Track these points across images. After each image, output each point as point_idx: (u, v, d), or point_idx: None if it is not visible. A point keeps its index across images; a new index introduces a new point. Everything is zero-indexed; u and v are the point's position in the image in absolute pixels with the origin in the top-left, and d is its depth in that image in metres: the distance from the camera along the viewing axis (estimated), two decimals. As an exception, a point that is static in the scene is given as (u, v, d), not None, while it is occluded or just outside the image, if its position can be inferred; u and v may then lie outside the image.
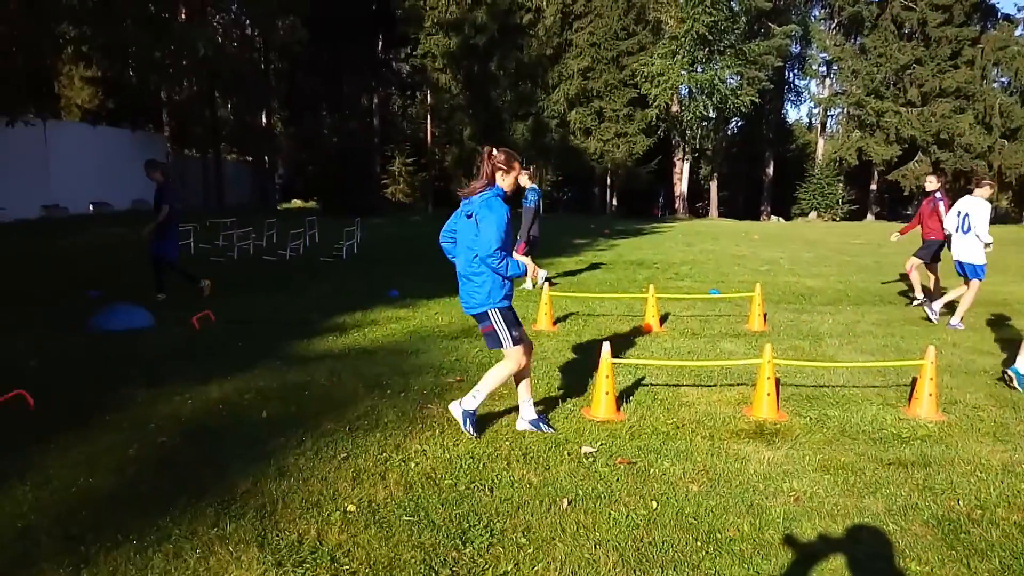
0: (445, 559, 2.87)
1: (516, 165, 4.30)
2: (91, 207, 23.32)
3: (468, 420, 4.28)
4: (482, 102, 35.30)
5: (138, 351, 6.11)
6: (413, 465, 3.79)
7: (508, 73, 35.59)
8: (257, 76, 31.54)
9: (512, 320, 4.30)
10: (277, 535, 3.01)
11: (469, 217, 4.19)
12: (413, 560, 2.85)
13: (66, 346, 6.24)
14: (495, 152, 4.27)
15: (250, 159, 39.59)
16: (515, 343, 4.29)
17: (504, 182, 4.26)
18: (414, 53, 36.02)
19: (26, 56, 8.17)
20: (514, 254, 4.34)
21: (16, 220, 20.16)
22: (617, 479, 3.70)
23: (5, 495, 3.31)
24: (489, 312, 4.23)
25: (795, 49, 43.56)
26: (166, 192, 8.51)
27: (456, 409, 4.32)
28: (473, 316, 4.35)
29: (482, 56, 34.74)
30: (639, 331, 7.53)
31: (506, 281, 4.25)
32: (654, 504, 3.43)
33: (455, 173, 38.68)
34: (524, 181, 9.89)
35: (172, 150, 31.69)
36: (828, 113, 45.16)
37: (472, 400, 4.29)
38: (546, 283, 9.52)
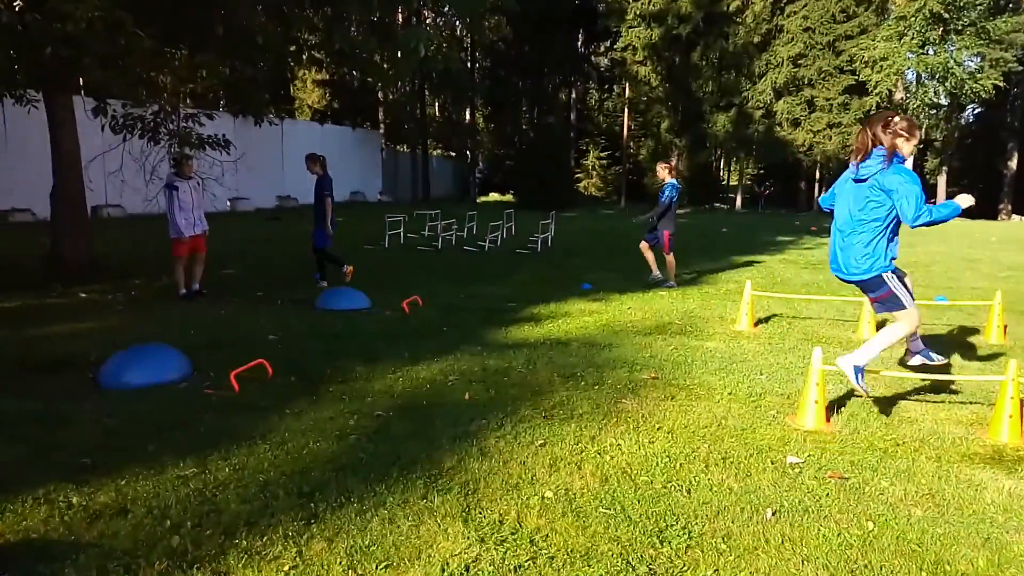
0: (642, 556, 2.84)
1: (917, 133, 4.32)
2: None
3: (859, 375, 4.28)
4: (682, 94, 34.40)
5: (357, 330, 6.68)
6: (608, 458, 3.80)
7: (711, 63, 34.38)
8: (464, 74, 33.11)
9: (901, 279, 4.39)
10: (480, 513, 3.15)
11: (860, 182, 4.29)
12: (610, 553, 2.86)
13: (299, 321, 6.97)
14: (895, 119, 4.26)
15: (453, 154, 41.76)
16: (913, 302, 4.35)
17: (906, 149, 4.28)
18: (614, 46, 35.91)
19: (273, 63, 9.20)
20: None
21: (256, 208, 22.84)
22: (827, 494, 3.46)
23: (251, 453, 3.76)
24: (884, 276, 4.32)
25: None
26: (325, 184, 9.05)
27: (846, 363, 4.32)
28: (856, 283, 4.46)
29: (685, 46, 33.84)
30: (850, 336, 6.97)
31: (892, 242, 4.35)
32: (870, 525, 3.16)
33: (650, 167, 38.15)
34: (663, 175, 9.71)
35: (386, 146, 34.24)
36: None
37: (863, 355, 4.31)
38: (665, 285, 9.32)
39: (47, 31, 6.59)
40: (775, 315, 7.97)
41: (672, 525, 3.10)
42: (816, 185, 38.34)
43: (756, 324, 7.41)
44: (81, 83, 10.05)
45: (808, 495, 3.45)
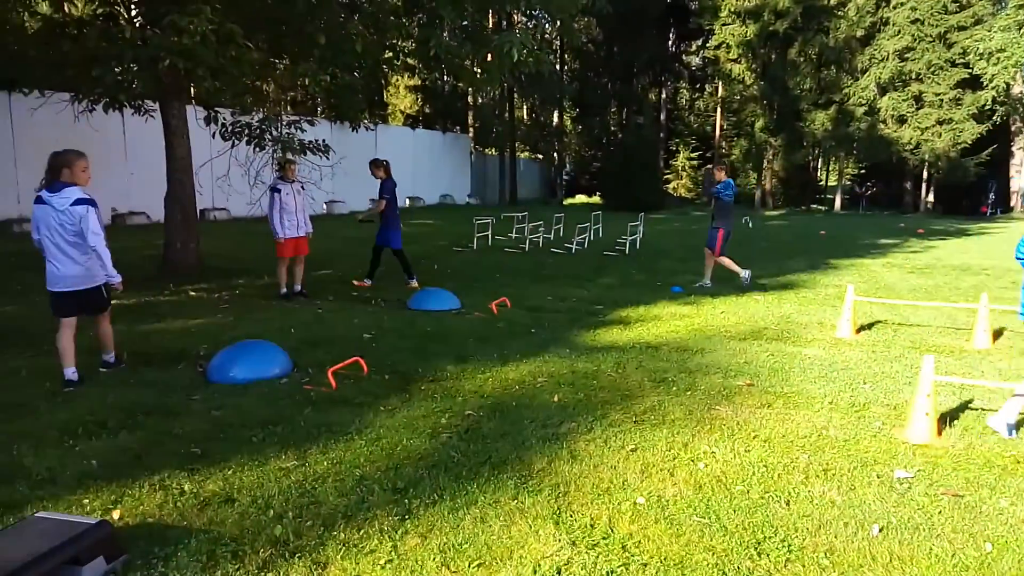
0: (739, 567, 2.76)
1: None
2: (407, 201, 26.42)
3: (1012, 430, 4.24)
4: (778, 91, 33.27)
5: (447, 330, 6.78)
6: (702, 466, 3.71)
7: (810, 59, 33.10)
8: (553, 77, 33.14)
9: None
10: (571, 516, 3.13)
11: None
12: (705, 563, 2.78)
13: (391, 321, 7.14)
14: None
15: (540, 157, 41.86)
16: None
17: None
18: (707, 44, 35.13)
19: (370, 70, 9.49)
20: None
21: (350, 212, 23.57)
22: (939, 511, 3.26)
23: (347, 447, 3.87)
24: None
25: None
26: (386, 187, 9.24)
27: (998, 424, 4.29)
28: None
29: (781, 43, 32.73)
30: (963, 346, 6.55)
31: None
32: (988, 546, 2.96)
33: (743, 167, 37.08)
34: (720, 176, 9.57)
35: (475, 149, 34.69)
36: None
37: (1013, 409, 4.25)
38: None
39: (165, 44, 7.02)
40: (879, 321, 7.60)
41: (770, 537, 2.99)
42: (923, 185, 36.29)
43: (859, 331, 7.08)
44: (192, 93, 10.64)
45: (918, 512, 3.26)
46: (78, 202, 4.75)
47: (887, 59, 32.35)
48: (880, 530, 3.09)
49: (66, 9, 9.87)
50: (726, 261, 9.79)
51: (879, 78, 32.44)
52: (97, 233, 4.78)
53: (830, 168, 42.03)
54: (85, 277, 4.90)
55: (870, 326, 7.36)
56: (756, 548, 2.90)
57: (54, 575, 2.45)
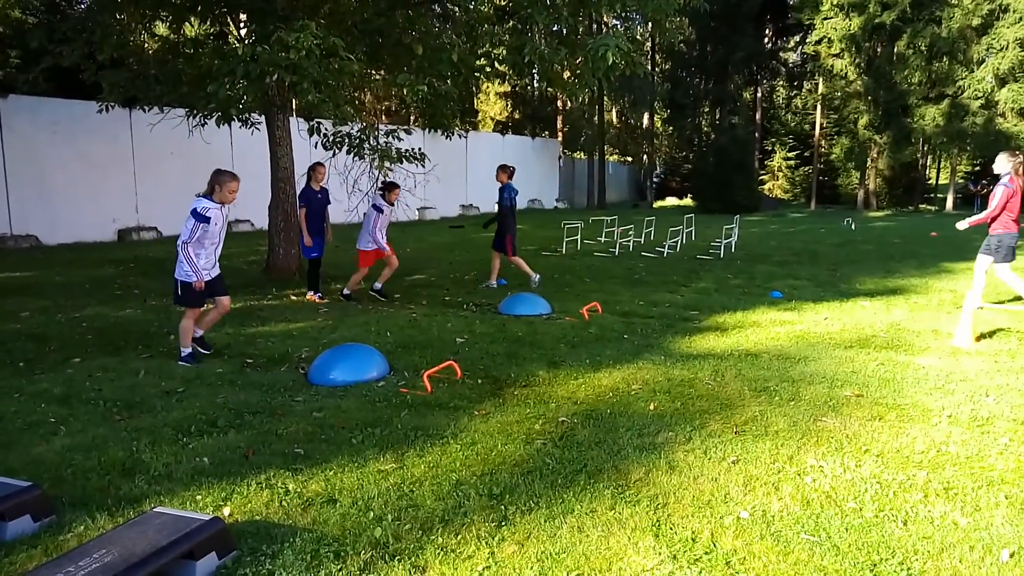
0: (853, 591, 2.61)
1: None
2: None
3: None
4: (884, 87, 31.63)
5: (538, 335, 6.77)
6: (809, 480, 3.53)
7: (919, 52, 31.29)
8: (643, 78, 32.72)
9: None
10: (671, 528, 3.04)
11: None
12: (815, 584, 2.64)
13: (484, 325, 7.19)
14: None
15: (629, 159, 41.37)
16: None
17: None
18: (806, 40, 33.82)
19: (463, 79, 9.63)
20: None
21: (441, 218, 24.00)
22: (1080, 540, 2.98)
23: (443, 451, 3.91)
24: None
25: None
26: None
27: None
28: None
29: (889, 35, 31.10)
30: (1102, 358, 6.00)
31: None
32: None
33: (844, 166, 35.45)
34: (504, 177, 9.36)
35: (563, 153, 34.65)
36: None
37: None
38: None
39: (273, 60, 7.34)
40: (1001, 329, 7.07)
41: (887, 559, 2.81)
42: (1048, 182, 33.68)
43: (979, 339, 6.61)
44: (295, 105, 11.09)
45: (1056, 539, 2.99)
46: (192, 210, 5.43)
47: (1007, 48, 30.17)
48: (1011, 555, 2.85)
49: (182, 30, 10.50)
50: (497, 264, 9.74)
51: (997, 69, 30.29)
52: (184, 240, 5.46)
53: (940, 166, 39.63)
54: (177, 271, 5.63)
55: (991, 334, 6.86)
56: (871, 570, 2.73)
57: (171, 568, 2.58)
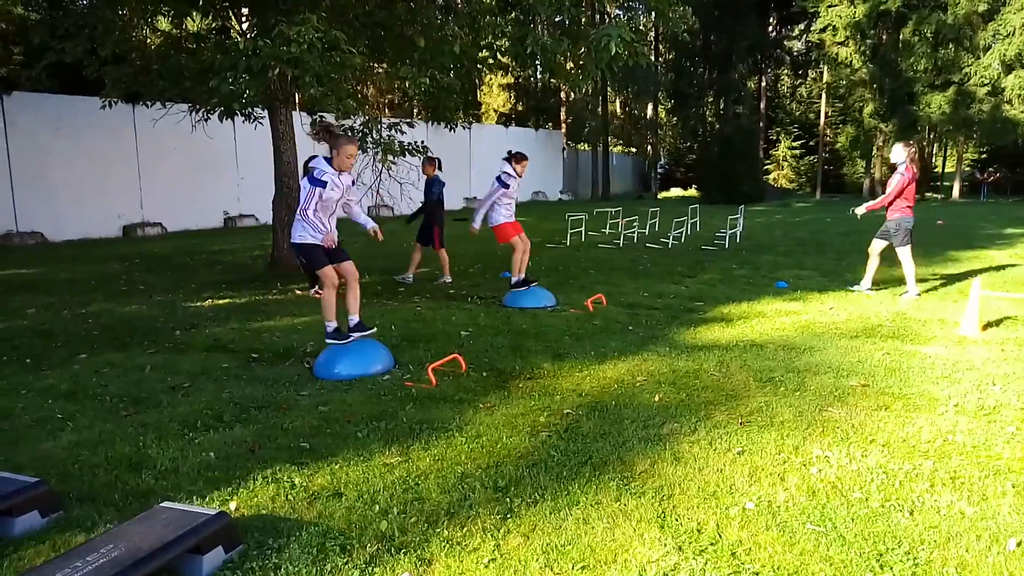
0: (859, 581, 2.60)
1: None
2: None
3: None
4: (889, 74, 31.42)
5: (543, 328, 6.76)
6: (815, 471, 3.53)
7: (925, 39, 31.05)
8: (647, 68, 32.57)
9: None
10: (676, 520, 3.04)
11: None
12: (822, 574, 2.64)
13: (488, 318, 7.19)
14: None
15: (634, 150, 41.26)
16: None
17: None
18: (811, 28, 33.62)
19: (466, 71, 9.60)
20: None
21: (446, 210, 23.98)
22: (1088, 528, 2.97)
23: (448, 444, 3.91)
24: None
25: None
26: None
27: None
28: None
29: (894, 22, 30.86)
30: (1110, 345, 5.97)
31: None
32: None
33: (849, 155, 35.29)
34: (431, 170, 9.22)
35: (567, 145, 34.56)
36: None
37: None
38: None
39: (275, 54, 7.33)
40: (1008, 317, 7.04)
41: (893, 549, 2.81)
42: (1055, 169, 33.48)
43: (985, 328, 6.58)
44: (298, 99, 11.09)
45: (1063, 528, 2.98)
46: (308, 175, 5.29)
47: (1013, 34, 29.92)
48: (1017, 544, 2.84)
49: (184, 25, 10.49)
50: (417, 257, 9.61)
51: (1004, 55, 30.06)
52: (304, 208, 5.24)
53: (947, 154, 39.42)
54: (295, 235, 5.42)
55: (998, 323, 6.83)
56: (878, 560, 2.73)
57: (178, 562, 2.59)
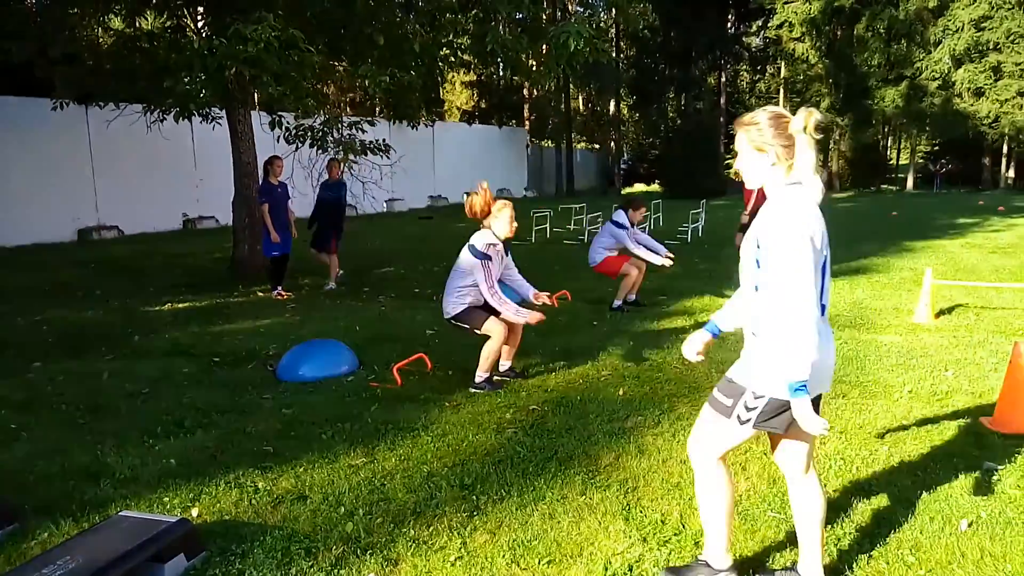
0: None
1: None
2: (464, 196, 26.64)
3: None
4: (845, 69, 32.10)
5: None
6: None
7: (878, 34, 31.78)
8: (608, 65, 32.78)
9: None
10: (640, 512, 3.08)
11: None
12: (782, 560, 2.70)
13: (452, 317, 7.17)
14: None
15: (597, 147, 41.48)
16: None
17: None
18: (768, 25, 34.16)
19: (427, 68, 9.55)
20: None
21: (410, 209, 23.86)
22: (1034, 507, 3.08)
23: (414, 444, 3.91)
24: None
25: None
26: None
27: None
28: None
29: (848, 19, 31.52)
30: (1055, 330, 6.19)
31: None
32: (1091, 545, 2.78)
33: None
34: (335, 172, 8.93)
35: (531, 142, 34.61)
36: None
37: None
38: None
39: (231, 53, 7.20)
40: (959, 305, 7.25)
41: (850, 533, 2.88)
42: (1003, 161, 34.50)
43: (938, 315, 6.77)
44: (256, 98, 10.93)
45: (1010, 505, 3.09)
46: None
47: (962, 29, 30.82)
48: (969, 525, 2.94)
49: (137, 24, 10.26)
50: (327, 259, 9.23)
51: (954, 50, 30.94)
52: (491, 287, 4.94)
53: (901, 147, 40.40)
54: None
55: (950, 310, 7.03)
56: (835, 544, 2.79)
57: (138, 572, 2.54)
